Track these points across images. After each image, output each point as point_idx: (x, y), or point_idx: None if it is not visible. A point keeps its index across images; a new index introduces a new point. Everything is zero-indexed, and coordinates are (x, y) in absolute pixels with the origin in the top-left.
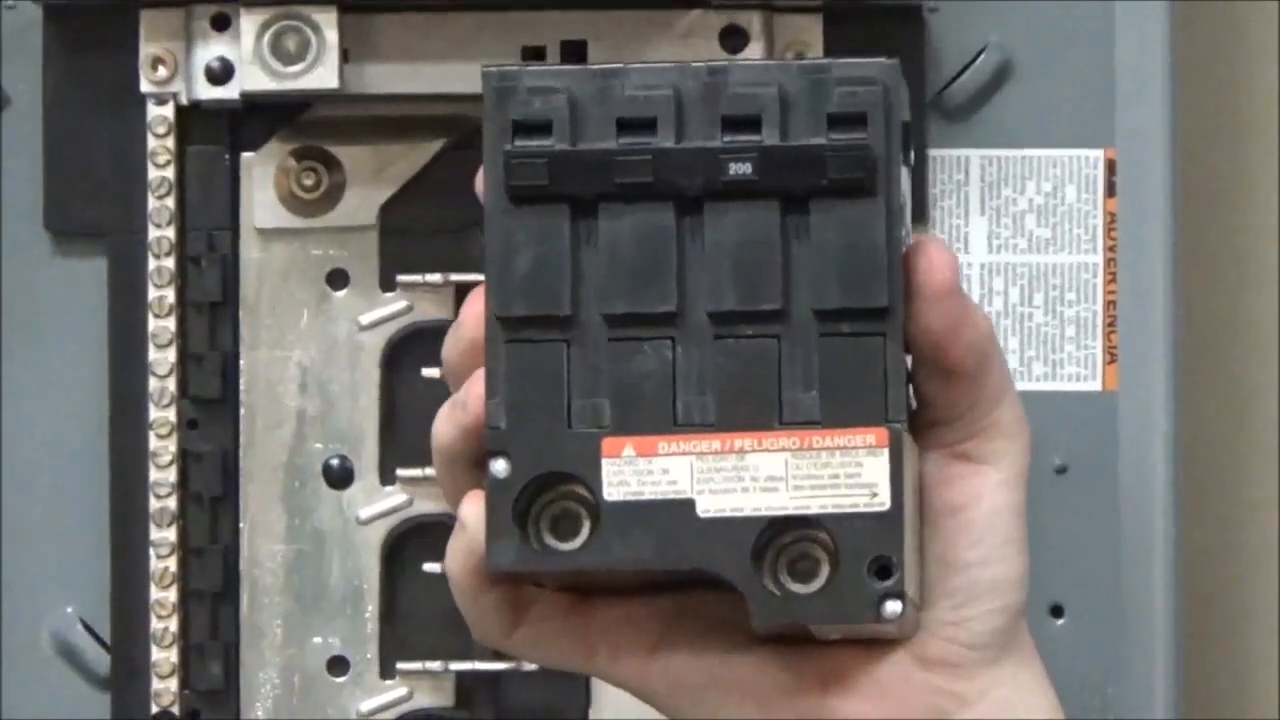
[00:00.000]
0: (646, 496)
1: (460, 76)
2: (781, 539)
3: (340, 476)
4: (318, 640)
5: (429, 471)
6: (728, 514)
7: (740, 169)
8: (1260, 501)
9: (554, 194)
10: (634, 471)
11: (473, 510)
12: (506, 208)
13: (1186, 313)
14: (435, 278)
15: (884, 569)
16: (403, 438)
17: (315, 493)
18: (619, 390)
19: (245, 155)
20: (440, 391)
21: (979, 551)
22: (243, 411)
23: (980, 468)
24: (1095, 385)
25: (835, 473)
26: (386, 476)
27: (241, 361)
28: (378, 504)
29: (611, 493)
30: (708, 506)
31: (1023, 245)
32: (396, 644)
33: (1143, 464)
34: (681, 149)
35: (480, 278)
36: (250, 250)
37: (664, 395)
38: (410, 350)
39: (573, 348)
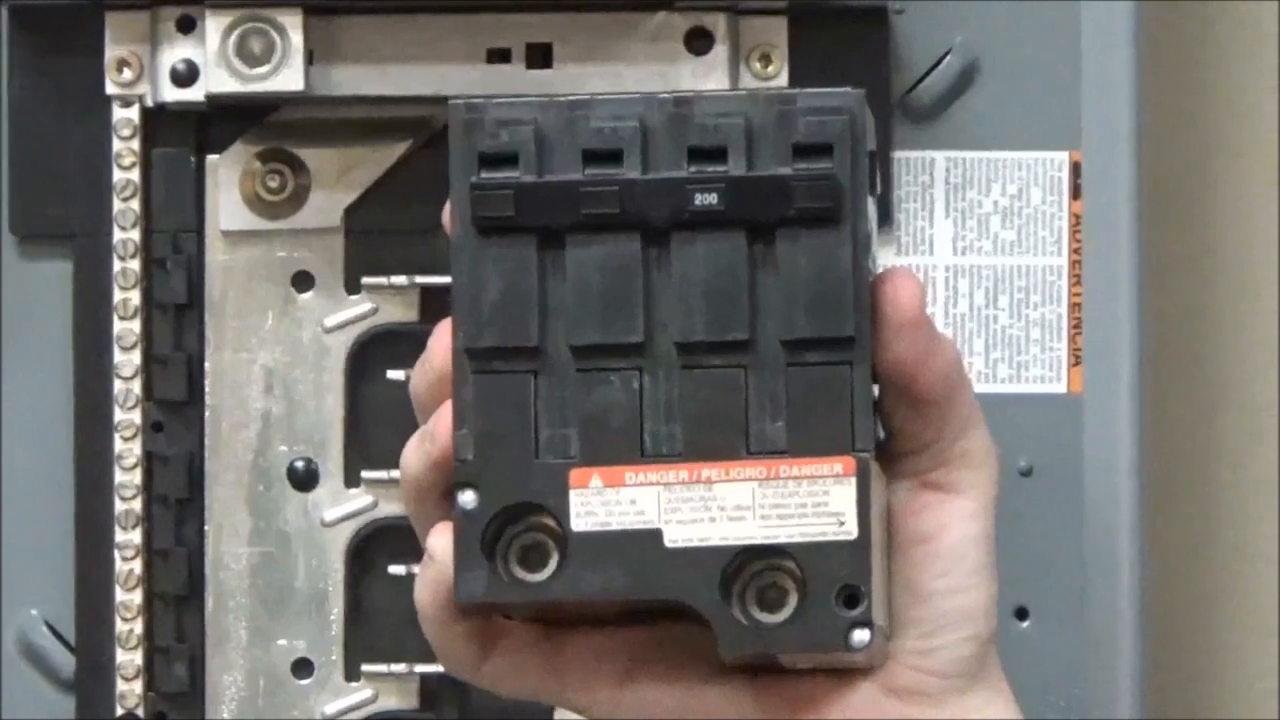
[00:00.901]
0: (614, 527)
1: (425, 78)
2: (750, 568)
3: (305, 479)
4: (283, 642)
5: (394, 474)
6: (695, 544)
7: (706, 199)
8: (1225, 503)
9: (521, 225)
10: (601, 502)
11: (441, 542)
12: (473, 239)
13: (1152, 315)
14: (400, 280)
15: (852, 598)
16: (368, 440)
17: (280, 495)
18: (586, 421)
19: (210, 157)
20: (406, 394)
21: (947, 580)
22: (208, 414)
23: (949, 496)
24: (1060, 388)
25: (803, 502)
26: (351, 479)
27: (206, 364)
28: (343, 506)
29: (579, 523)
30: (675, 536)
31: (988, 247)
32: (361, 646)
33: (1108, 467)
34: (648, 180)
35: (446, 280)
36: (215, 252)
37: (631, 426)
38: (375, 352)
39: (540, 379)
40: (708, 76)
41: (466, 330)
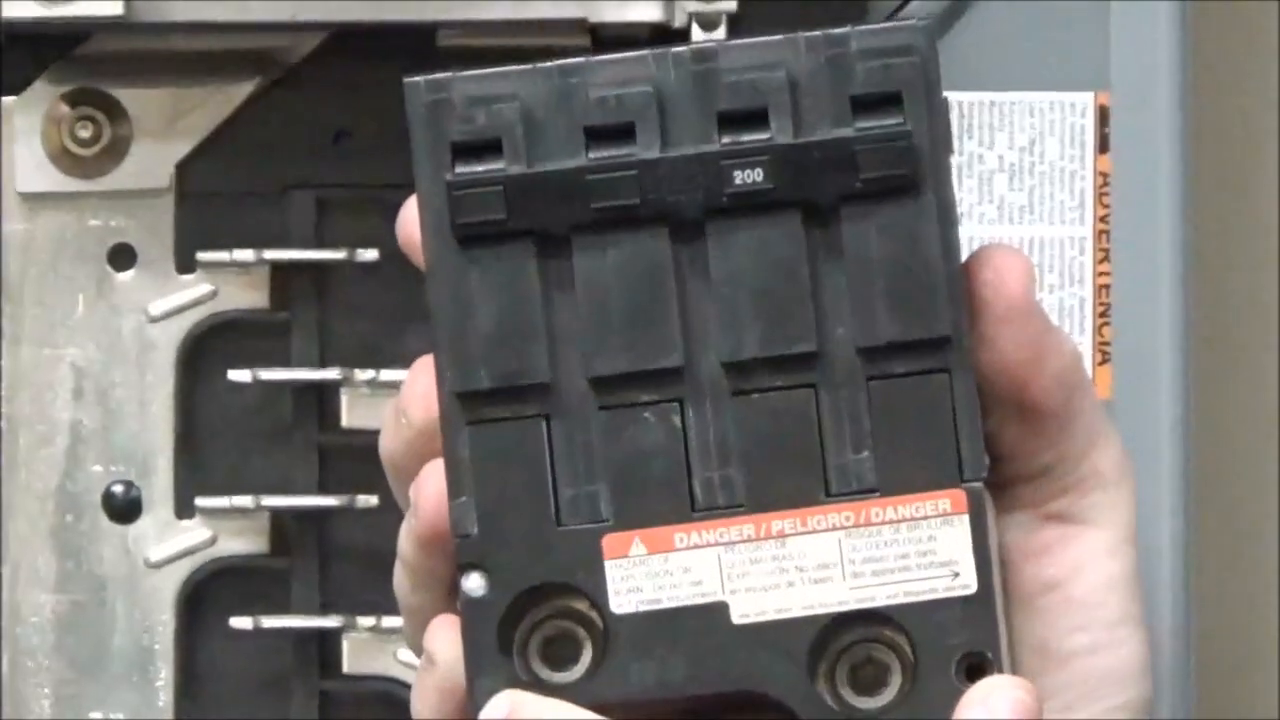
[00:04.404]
0: (666, 604)
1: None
2: (837, 643)
3: (125, 508)
4: (97, 715)
5: (237, 501)
6: (772, 617)
7: (749, 176)
8: None
9: (515, 230)
10: (647, 574)
11: (445, 639)
12: (454, 253)
13: (1199, 301)
14: (246, 255)
15: (976, 668)
16: (205, 459)
17: (94, 528)
18: (619, 472)
19: (5, 100)
20: (252, 399)
21: (1088, 637)
22: (2, 425)
23: (1078, 529)
24: None
25: (903, 551)
26: (183, 508)
27: (1, 361)
28: (172, 542)
29: (621, 603)
30: (746, 610)
31: (991, 214)
32: (195, 718)
33: (1144, 489)
34: (672, 158)
35: (302, 255)
36: (12, 220)
37: (676, 474)
38: (214, 347)
39: (555, 423)
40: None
41: (456, 370)
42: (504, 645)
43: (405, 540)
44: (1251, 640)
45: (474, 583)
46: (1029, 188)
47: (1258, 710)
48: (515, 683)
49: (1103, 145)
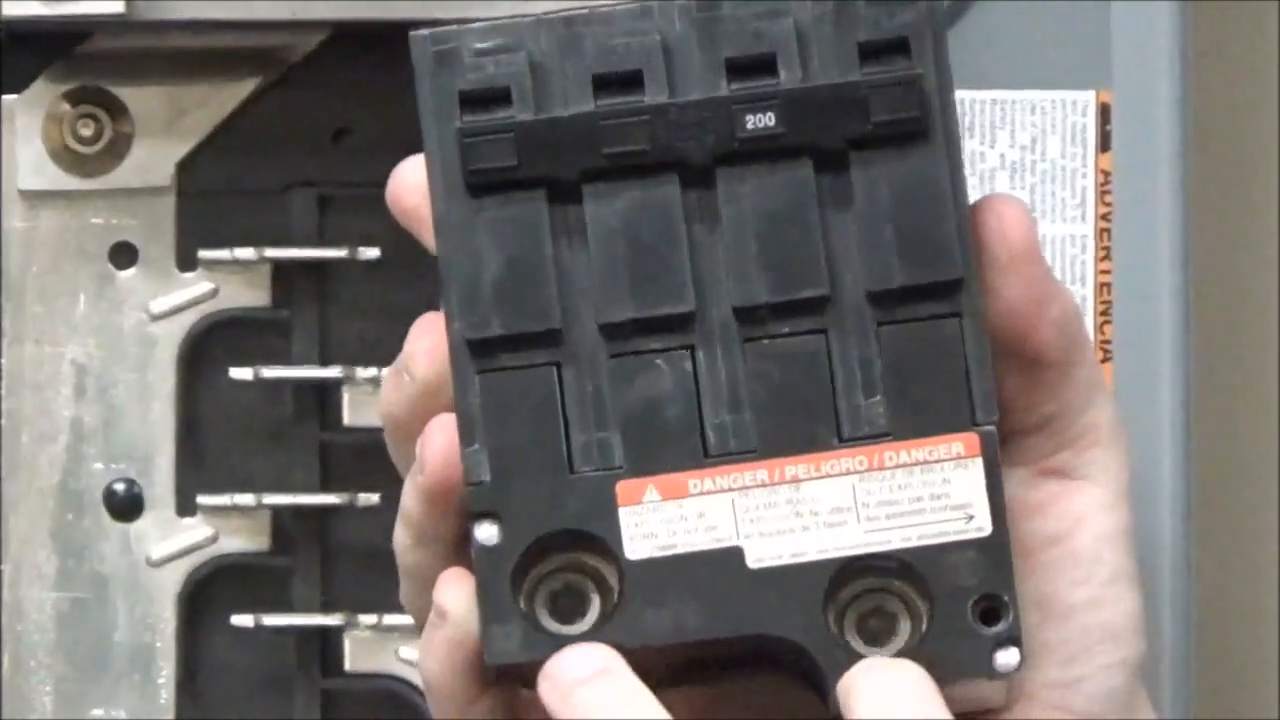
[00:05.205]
0: (680, 550)
1: None
2: (847, 590)
3: (127, 505)
4: (98, 713)
5: (238, 499)
6: (787, 561)
7: (761, 120)
8: None
9: (525, 177)
10: (661, 520)
11: (456, 591)
12: (463, 201)
13: (1199, 299)
14: (247, 253)
15: (991, 611)
16: (206, 457)
17: (95, 526)
18: (631, 419)
19: (6, 98)
20: (253, 398)
21: (1087, 590)
22: (4, 423)
23: (1078, 484)
24: None
25: (917, 495)
26: (185, 506)
27: (2, 360)
28: (174, 540)
29: (635, 549)
30: (760, 554)
31: None
32: (197, 716)
33: (1145, 486)
34: (683, 104)
35: (304, 254)
36: (13, 218)
37: (689, 420)
38: (215, 345)
39: (566, 370)
40: None
41: (466, 318)
42: (518, 594)
43: (409, 496)
44: (1251, 640)
45: (487, 531)
46: (1030, 186)
47: (1258, 710)
48: (530, 633)
49: (1104, 143)
